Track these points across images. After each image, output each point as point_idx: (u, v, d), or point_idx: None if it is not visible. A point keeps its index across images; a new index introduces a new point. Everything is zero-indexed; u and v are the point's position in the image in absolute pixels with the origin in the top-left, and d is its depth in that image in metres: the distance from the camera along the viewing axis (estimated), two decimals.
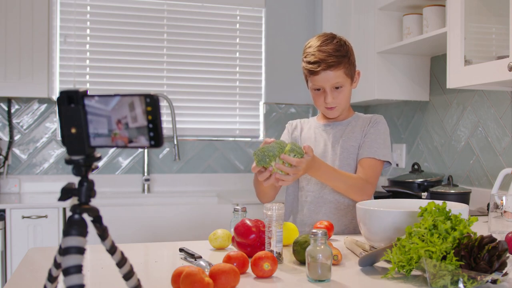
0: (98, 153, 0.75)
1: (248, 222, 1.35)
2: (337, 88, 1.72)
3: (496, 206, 1.56)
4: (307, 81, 1.79)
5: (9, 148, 3.09)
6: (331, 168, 1.65)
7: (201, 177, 3.41)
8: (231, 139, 3.49)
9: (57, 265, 0.82)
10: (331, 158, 1.77)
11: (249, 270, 1.19)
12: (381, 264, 1.27)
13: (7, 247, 2.52)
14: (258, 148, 1.48)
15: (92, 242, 0.87)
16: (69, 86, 3.20)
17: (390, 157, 1.75)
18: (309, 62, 1.71)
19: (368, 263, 1.24)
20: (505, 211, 1.56)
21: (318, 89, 1.73)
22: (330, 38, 1.74)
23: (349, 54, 1.74)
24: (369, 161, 1.72)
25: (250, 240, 1.33)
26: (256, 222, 1.36)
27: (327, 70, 1.68)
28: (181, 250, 1.37)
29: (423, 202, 1.20)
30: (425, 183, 2.56)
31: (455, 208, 1.26)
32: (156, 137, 0.70)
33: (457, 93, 2.65)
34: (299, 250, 1.28)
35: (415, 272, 1.16)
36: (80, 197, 0.75)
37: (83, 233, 0.72)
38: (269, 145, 1.47)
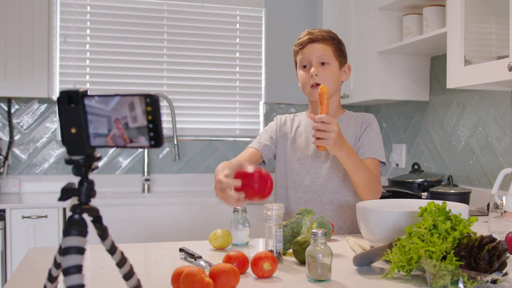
0: (98, 153, 0.75)
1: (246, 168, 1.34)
2: (323, 64, 1.73)
3: (496, 206, 1.56)
4: (296, 66, 1.81)
5: (9, 148, 3.09)
6: (354, 151, 1.63)
7: (201, 177, 3.41)
8: (231, 139, 3.49)
9: (57, 265, 0.82)
10: (324, 158, 1.76)
11: (249, 270, 1.19)
12: (379, 264, 1.27)
13: (7, 247, 2.52)
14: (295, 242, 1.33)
15: (92, 242, 0.87)
16: (69, 86, 3.20)
17: (385, 158, 1.77)
18: (298, 39, 1.79)
19: (365, 262, 1.24)
20: (505, 211, 1.56)
21: (305, 66, 1.76)
22: (324, 29, 1.82)
23: (339, 41, 1.78)
24: (373, 161, 1.73)
25: (250, 175, 1.30)
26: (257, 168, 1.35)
27: (314, 42, 1.73)
28: (181, 250, 1.37)
29: (423, 202, 1.20)
30: (425, 183, 2.56)
31: (455, 208, 1.26)
32: (156, 137, 0.70)
33: (457, 93, 2.65)
34: (299, 250, 1.28)
35: (415, 272, 1.16)
36: (80, 197, 0.75)
37: (83, 233, 0.72)
38: (288, 230, 1.40)
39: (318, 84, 1.71)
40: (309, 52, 1.74)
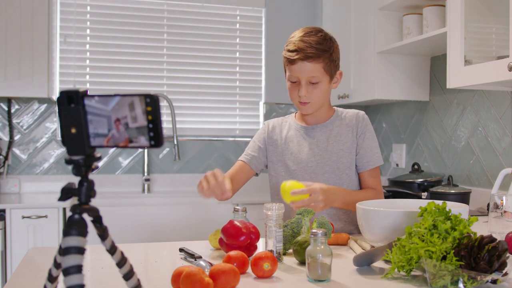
0: (98, 153, 0.75)
1: (237, 223, 1.32)
2: (312, 83, 1.65)
3: (496, 206, 1.56)
4: (285, 72, 1.73)
5: (9, 148, 3.09)
6: (345, 192, 1.63)
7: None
8: (231, 139, 3.49)
9: (57, 265, 0.82)
10: (320, 163, 1.72)
11: (249, 270, 1.19)
12: (379, 264, 1.27)
13: (7, 247, 2.52)
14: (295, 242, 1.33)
15: (92, 242, 0.87)
16: (69, 86, 3.20)
17: (381, 157, 1.78)
18: (288, 50, 1.66)
19: (365, 262, 1.24)
20: (505, 211, 1.56)
21: (294, 82, 1.68)
22: (315, 31, 1.67)
23: (331, 51, 1.66)
24: (374, 170, 1.74)
25: (240, 242, 1.29)
26: (244, 223, 1.33)
27: (304, 60, 1.62)
28: (181, 250, 1.37)
29: (423, 202, 1.20)
30: (425, 183, 2.56)
31: (455, 208, 1.26)
32: (156, 137, 0.70)
33: (457, 93, 2.65)
34: (299, 250, 1.28)
35: (415, 272, 1.16)
36: (80, 197, 0.75)
37: (83, 233, 0.72)
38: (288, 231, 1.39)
39: (305, 103, 1.68)
40: (298, 72, 1.64)
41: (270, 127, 1.83)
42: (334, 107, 1.81)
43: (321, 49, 1.63)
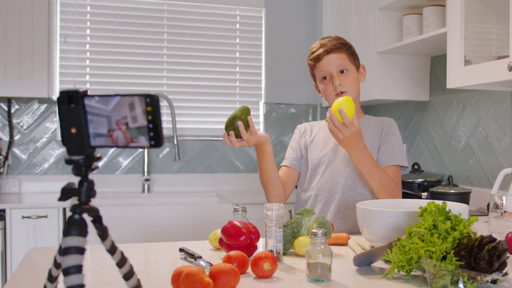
0: (98, 153, 0.75)
1: (237, 223, 1.31)
2: (342, 72, 1.76)
3: (496, 206, 1.56)
4: (315, 79, 1.84)
5: (9, 148, 3.09)
6: (368, 156, 1.67)
7: (201, 177, 3.41)
8: None
9: (57, 265, 0.82)
10: (342, 159, 1.78)
11: (249, 270, 1.19)
12: (379, 264, 1.27)
13: (7, 247, 2.52)
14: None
15: (92, 242, 0.87)
16: (69, 86, 3.20)
17: (406, 162, 1.79)
18: (312, 53, 1.82)
19: (365, 263, 1.24)
20: (505, 211, 1.56)
21: (325, 78, 1.78)
22: (330, 36, 1.86)
23: (350, 45, 1.83)
24: (394, 168, 1.76)
25: (240, 242, 1.29)
26: (244, 223, 1.32)
27: (329, 53, 1.77)
28: (181, 250, 1.37)
29: (423, 202, 1.20)
30: (425, 183, 2.55)
31: (455, 208, 1.26)
32: (156, 137, 0.70)
33: (457, 93, 2.65)
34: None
35: (415, 272, 1.16)
36: (80, 197, 0.75)
37: (83, 233, 0.72)
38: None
39: (342, 92, 1.75)
40: (326, 64, 1.77)
41: (302, 130, 1.94)
42: (366, 114, 1.90)
43: (340, 43, 1.81)
